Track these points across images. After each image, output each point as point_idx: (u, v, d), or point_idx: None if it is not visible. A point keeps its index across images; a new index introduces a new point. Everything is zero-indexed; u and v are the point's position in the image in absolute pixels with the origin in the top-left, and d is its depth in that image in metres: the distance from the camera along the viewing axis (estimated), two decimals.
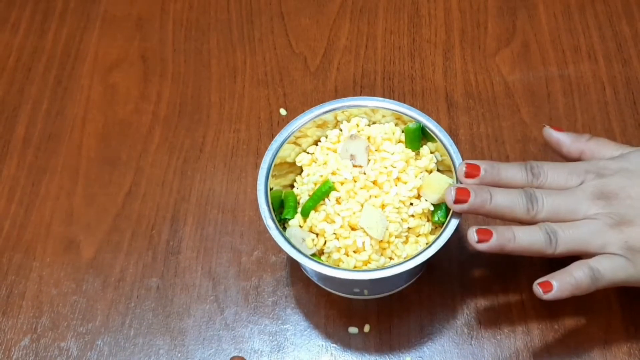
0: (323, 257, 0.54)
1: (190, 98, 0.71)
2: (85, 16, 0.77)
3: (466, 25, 0.74)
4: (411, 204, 0.55)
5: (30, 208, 0.65)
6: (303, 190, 0.56)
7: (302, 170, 0.58)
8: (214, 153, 0.67)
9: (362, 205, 0.54)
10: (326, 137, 0.58)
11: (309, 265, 0.52)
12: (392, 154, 0.56)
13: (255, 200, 0.55)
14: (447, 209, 0.54)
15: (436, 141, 0.56)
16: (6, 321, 0.59)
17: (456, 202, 0.52)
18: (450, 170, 0.55)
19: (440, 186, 0.54)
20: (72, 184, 0.66)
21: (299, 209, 0.55)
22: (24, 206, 0.65)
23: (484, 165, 0.53)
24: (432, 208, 0.55)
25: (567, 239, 0.51)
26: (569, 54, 0.71)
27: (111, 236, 0.63)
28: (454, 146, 0.55)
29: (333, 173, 0.55)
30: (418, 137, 0.57)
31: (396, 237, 0.53)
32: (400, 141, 0.58)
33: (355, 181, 0.55)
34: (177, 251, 0.62)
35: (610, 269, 0.51)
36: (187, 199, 0.65)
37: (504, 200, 0.52)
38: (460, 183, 0.54)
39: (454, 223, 0.52)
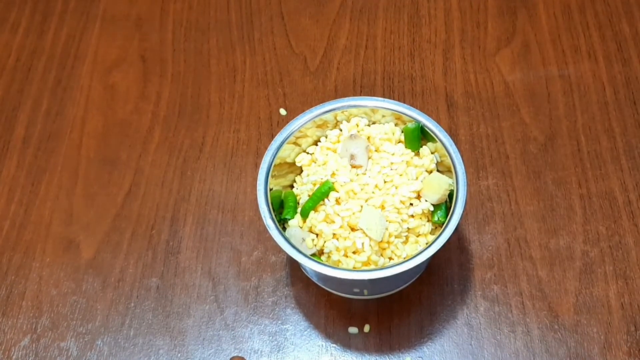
0: (323, 257, 0.54)
1: (190, 98, 0.71)
2: (84, 16, 0.77)
3: (466, 25, 0.74)
4: (411, 204, 0.54)
5: (30, 208, 0.65)
6: (303, 191, 0.56)
7: (301, 171, 0.58)
8: (213, 153, 0.67)
9: (361, 206, 0.54)
10: (326, 137, 0.58)
11: (309, 265, 0.52)
12: (392, 154, 0.56)
13: (255, 200, 0.55)
14: (447, 209, 0.54)
15: (436, 141, 0.56)
16: (6, 321, 0.59)
17: None
18: (450, 171, 0.55)
19: (440, 186, 0.54)
20: (71, 184, 0.66)
21: (299, 209, 0.55)
22: (23, 206, 0.65)
23: None
24: (432, 208, 0.55)
25: None
26: (569, 53, 0.71)
27: (111, 236, 0.63)
28: (454, 146, 0.55)
29: (332, 174, 0.55)
30: (417, 137, 0.57)
31: (396, 237, 0.53)
32: (400, 141, 0.57)
33: (354, 182, 0.55)
34: (177, 251, 0.62)
35: None
36: (186, 199, 0.65)
37: None
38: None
39: (454, 223, 0.52)
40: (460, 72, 0.71)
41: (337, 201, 0.54)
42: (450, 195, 0.55)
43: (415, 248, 0.54)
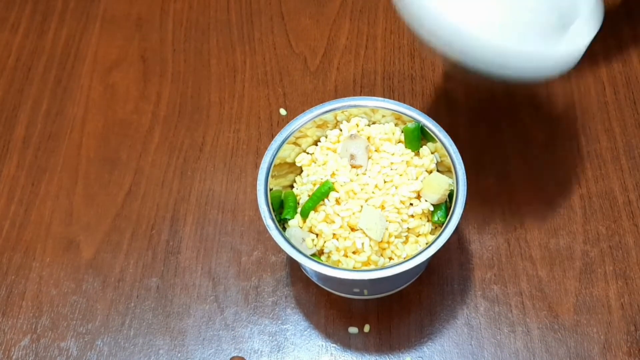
0: (323, 257, 0.54)
1: (190, 98, 0.71)
2: (84, 16, 0.77)
3: None
4: (411, 204, 0.54)
5: (30, 208, 0.65)
6: (303, 191, 0.56)
7: (301, 171, 0.58)
8: (213, 153, 0.67)
9: (361, 206, 0.54)
10: (326, 137, 0.58)
11: (309, 265, 0.52)
12: (392, 154, 0.56)
13: (255, 200, 0.55)
14: (447, 209, 0.54)
15: (436, 141, 0.56)
16: (6, 321, 0.59)
17: None
18: (450, 171, 0.55)
19: (440, 186, 0.54)
20: (71, 183, 0.66)
21: (299, 209, 0.55)
22: (23, 206, 0.65)
23: None
24: (432, 208, 0.55)
25: None
26: None
27: (111, 236, 0.63)
28: (454, 146, 0.55)
29: (332, 175, 0.55)
30: (417, 137, 0.57)
31: (396, 237, 0.53)
32: (400, 141, 0.57)
33: (354, 182, 0.55)
34: (177, 251, 0.62)
35: None
36: (187, 199, 0.65)
37: None
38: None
39: (454, 223, 0.52)
40: (460, 72, 0.70)
41: (337, 201, 0.54)
42: (450, 195, 0.55)
43: (415, 248, 0.54)
